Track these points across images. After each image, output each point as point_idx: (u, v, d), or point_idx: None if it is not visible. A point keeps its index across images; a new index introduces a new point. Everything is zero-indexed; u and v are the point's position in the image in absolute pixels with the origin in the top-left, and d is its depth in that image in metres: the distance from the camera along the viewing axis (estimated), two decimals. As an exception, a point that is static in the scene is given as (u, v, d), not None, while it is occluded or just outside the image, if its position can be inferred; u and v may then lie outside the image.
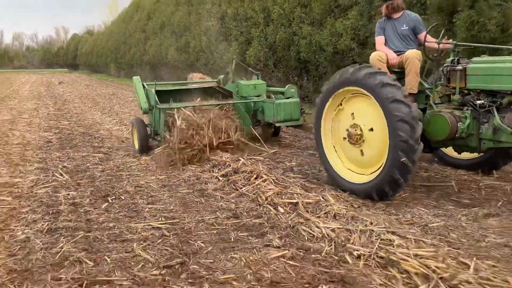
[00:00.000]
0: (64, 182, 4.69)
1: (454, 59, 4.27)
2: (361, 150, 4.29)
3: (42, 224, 3.46)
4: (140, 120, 6.38)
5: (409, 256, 2.71)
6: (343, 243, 3.02)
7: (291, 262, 2.82)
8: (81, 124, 9.13)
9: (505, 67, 3.86)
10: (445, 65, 4.33)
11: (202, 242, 3.14)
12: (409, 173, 3.90)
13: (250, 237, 3.23)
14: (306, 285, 2.55)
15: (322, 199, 3.81)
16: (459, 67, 4.15)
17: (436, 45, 4.50)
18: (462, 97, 4.19)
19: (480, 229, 3.29)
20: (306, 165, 5.37)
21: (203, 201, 4.09)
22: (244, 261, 2.81)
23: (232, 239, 3.21)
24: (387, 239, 2.99)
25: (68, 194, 4.26)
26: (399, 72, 4.74)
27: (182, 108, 5.79)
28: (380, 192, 4.02)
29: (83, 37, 60.67)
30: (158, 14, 21.94)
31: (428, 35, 4.65)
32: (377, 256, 2.79)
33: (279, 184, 4.27)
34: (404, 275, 2.58)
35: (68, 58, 66.37)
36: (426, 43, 4.55)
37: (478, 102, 4.01)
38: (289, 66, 10.43)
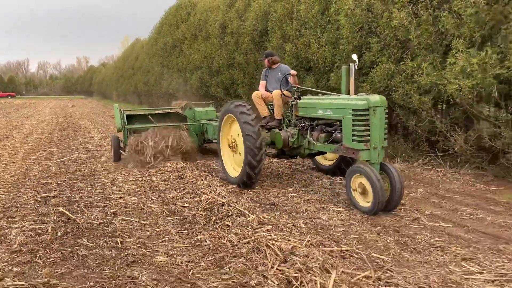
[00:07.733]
0: (55, 137, 12.90)
1: (296, 96, 5.71)
2: (236, 155, 5.77)
3: (39, 140, 11.70)
4: (116, 136, 8.04)
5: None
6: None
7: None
8: (73, 125, 17.47)
9: (310, 102, 5.41)
10: (291, 101, 5.78)
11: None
12: (255, 169, 5.30)
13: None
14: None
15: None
16: (294, 102, 5.65)
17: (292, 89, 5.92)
18: (296, 121, 5.65)
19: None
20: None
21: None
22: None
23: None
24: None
25: (58, 138, 12.45)
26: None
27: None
28: (242, 182, 5.49)
29: (97, 68, 67.74)
30: (140, 57, 30.54)
31: (295, 80, 5.98)
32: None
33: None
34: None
35: (84, 86, 73.18)
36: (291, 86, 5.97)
37: (302, 124, 5.50)
38: (207, 95, 18.22)
